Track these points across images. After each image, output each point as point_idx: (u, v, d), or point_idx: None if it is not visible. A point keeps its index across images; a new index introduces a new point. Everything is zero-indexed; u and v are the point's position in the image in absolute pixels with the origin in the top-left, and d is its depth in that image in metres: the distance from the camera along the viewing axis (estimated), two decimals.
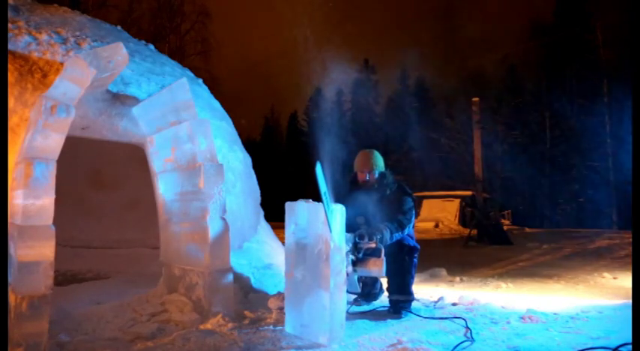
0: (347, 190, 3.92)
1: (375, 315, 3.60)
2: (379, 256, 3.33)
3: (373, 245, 3.33)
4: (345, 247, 3.02)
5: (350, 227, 3.23)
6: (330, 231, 2.81)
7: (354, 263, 3.33)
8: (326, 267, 2.84)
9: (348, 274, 3.17)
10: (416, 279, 3.86)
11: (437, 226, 19.08)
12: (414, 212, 3.74)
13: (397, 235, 3.52)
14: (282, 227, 3.20)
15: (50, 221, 2.74)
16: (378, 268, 3.32)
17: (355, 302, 3.93)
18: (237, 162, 4.76)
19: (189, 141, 3.50)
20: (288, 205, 3.18)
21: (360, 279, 3.57)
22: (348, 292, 3.25)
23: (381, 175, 3.86)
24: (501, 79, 32.29)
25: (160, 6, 24.45)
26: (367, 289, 3.97)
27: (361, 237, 3.35)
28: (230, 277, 3.45)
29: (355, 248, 3.33)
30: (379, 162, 3.89)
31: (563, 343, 2.77)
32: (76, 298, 3.77)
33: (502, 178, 26.82)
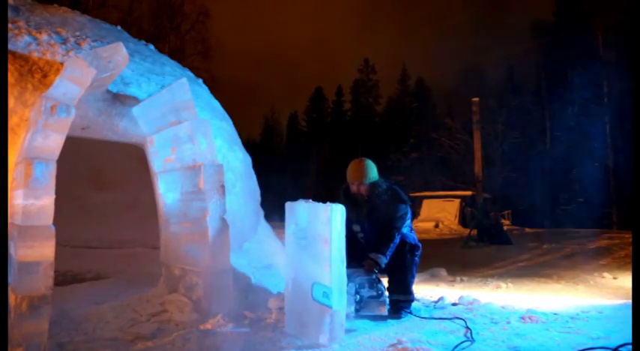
0: (342, 199, 3.89)
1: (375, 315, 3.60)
2: (380, 299, 3.47)
3: (374, 293, 3.46)
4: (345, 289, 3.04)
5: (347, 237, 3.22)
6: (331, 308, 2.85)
7: (357, 310, 3.45)
8: (326, 267, 2.84)
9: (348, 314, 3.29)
10: (416, 279, 3.86)
11: (437, 226, 19.08)
12: (409, 216, 3.78)
13: (392, 248, 3.58)
14: (282, 227, 3.20)
15: (50, 221, 2.74)
16: (380, 311, 3.46)
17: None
18: (237, 162, 4.76)
19: (190, 141, 3.50)
20: (288, 205, 3.18)
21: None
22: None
23: (373, 184, 3.78)
24: (501, 79, 32.31)
25: (160, 6, 24.47)
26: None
27: (362, 286, 3.47)
28: (230, 277, 3.45)
29: (356, 294, 3.45)
30: (370, 172, 3.79)
31: (563, 343, 2.77)
32: (76, 298, 3.77)
33: (502, 178, 26.86)
